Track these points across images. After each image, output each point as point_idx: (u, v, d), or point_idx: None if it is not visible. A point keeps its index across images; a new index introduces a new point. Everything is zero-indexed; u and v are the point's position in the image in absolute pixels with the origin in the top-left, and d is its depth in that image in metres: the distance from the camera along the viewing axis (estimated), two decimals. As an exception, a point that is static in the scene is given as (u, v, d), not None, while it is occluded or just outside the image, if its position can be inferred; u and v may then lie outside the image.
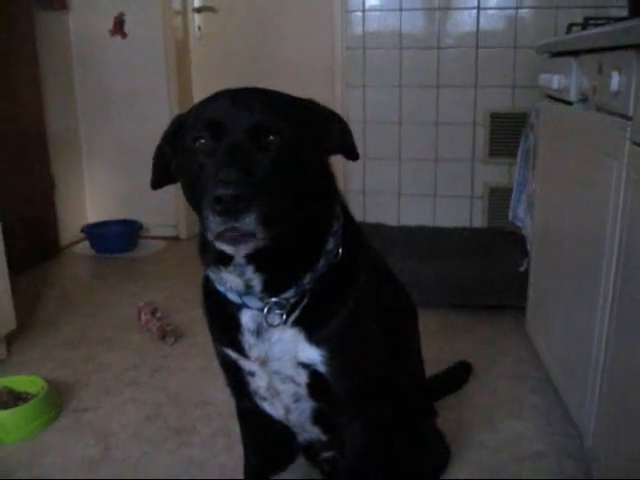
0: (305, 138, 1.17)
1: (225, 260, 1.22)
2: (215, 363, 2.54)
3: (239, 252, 1.13)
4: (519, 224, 2.98)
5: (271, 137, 1.10)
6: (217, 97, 1.18)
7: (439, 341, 2.76)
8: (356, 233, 1.38)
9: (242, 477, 1.67)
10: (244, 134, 1.09)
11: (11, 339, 2.81)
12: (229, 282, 1.25)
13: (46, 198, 4.14)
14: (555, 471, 1.93)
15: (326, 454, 1.71)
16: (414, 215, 4.04)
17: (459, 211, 4.01)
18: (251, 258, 1.20)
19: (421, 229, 3.78)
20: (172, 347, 2.81)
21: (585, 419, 1.84)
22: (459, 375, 2.39)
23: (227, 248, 1.12)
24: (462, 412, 2.25)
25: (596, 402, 1.74)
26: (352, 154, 1.29)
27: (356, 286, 1.32)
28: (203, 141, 1.12)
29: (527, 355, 2.64)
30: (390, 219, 4.03)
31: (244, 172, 1.03)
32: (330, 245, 1.26)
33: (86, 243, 4.38)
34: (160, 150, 1.28)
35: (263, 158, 1.08)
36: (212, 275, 1.28)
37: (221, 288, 1.28)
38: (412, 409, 1.70)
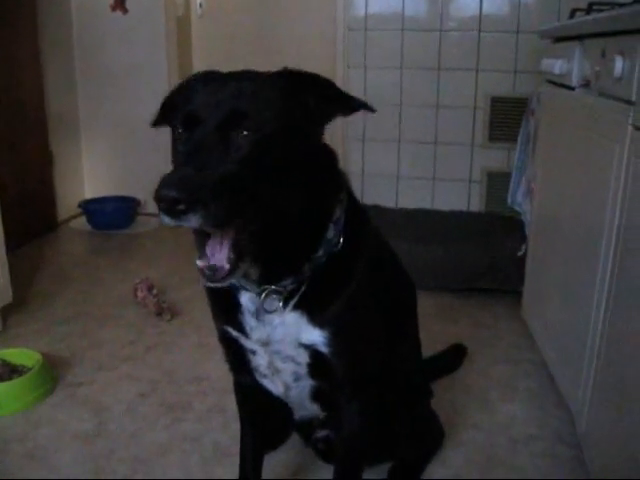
0: (286, 123, 1.13)
1: None
2: (211, 340, 2.58)
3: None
4: (518, 208, 2.98)
5: (244, 132, 1.07)
6: (202, 82, 1.17)
7: (435, 324, 2.77)
8: (361, 219, 1.37)
9: (237, 454, 1.68)
10: (213, 128, 1.07)
11: (7, 313, 2.81)
12: None
13: (44, 173, 4.13)
14: (548, 454, 1.94)
15: (321, 433, 1.71)
16: (412, 198, 4.03)
17: (457, 195, 4.00)
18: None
19: (419, 212, 3.78)
20: (168, 324, 2.81)
21: (579, 404, 1.85)
22: (454, 357, 2.41)
23: (173, 225, 1.08)
24: (456, 394, 2.26)
25: (590, 387, 1.75)
26: (346, 108, 1.21)
27: (358, 270, 1.31)
28: (180, 131, 1.13)
29: (522, 339, 2.65)
30: (388, 201, 4.02)
31: (196, 171, 1.01)
32: (330, 234, 1.25)
33: (83, 219, 4.37)
34: (171, 95, 1.28)
35: (232, 153, 1.06)
36: None
37: None
38: (409, 389, 1.71)
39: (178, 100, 1.20)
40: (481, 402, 2.22)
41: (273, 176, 1.10)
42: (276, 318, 1.29)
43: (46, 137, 4.12)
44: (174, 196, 0.98)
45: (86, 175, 4.67)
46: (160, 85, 4.27)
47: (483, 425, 2.09)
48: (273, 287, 1.24)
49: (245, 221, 1.09)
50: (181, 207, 0.98)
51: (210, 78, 1.18)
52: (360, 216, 1.37)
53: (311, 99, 1.17)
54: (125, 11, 4.28)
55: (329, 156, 1.31)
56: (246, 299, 1.30)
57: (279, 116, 1.12)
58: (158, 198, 0.99)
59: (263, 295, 1.25)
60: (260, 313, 1.29)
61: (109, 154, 4.61)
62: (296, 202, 1.17)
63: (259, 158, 1.08)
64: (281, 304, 1.26)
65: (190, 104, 1.13)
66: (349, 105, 1.20)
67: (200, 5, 4.44)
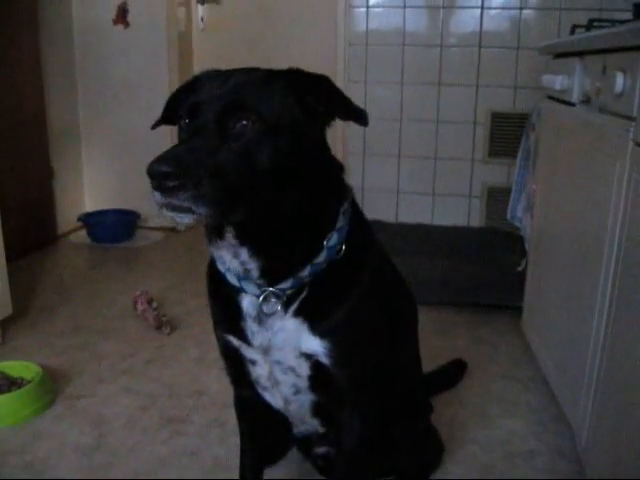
0: (285, 118, 1.15)
1: (219, 233, 1.21)
2: (210, 354, 2.59)
3: (182, 221, 1.07)
4: (517, 224, 2.99)
5: (243, 122, 1.09)
6: (207, 77, 1.21)
7: (435, 339, 2.77)
8: (364, 231, 1.37)
9: (236, 468, 1.68)
10: (213, 117, 1.09)
11: (7, 325, 2.81)
12: (227, 262, 1.25)
13: (44, 186, 4.14)
14: (548, 470, 1.94)
15: (320, 449, 1.71)
16: (412, 213, 4.05)
17: (457, 210, 4.02)
18: (243, 240, 1.20)
19: (419, 227, 3.79)
20: (167, 338, 2.81)
21: (579, 418, 1.84)
22: (454, 373, 2.40)
23: (170, 216, 1.07)
24: (456, 409, 2.26)
25: (591, 402, 1.75)
26: (349, 116, 1.21)
27: (360, 281, 1.31)
28: (184, 122, 1.16)
29: (522, 354, 2.65)
30: (388, 216, 4.03)
31: (189, 151, 1.03)
32: (333, 241, 1.25)
33: (83, 232, 4.37)
34: (174, 96, 1.31)
35: (229, 142, 1.08)
36: (214, 253, 1.28)
37: (222, 267, 1.28)
38: (409, 404, 1.71)
39: (183, 97, 1.22)
40: (481, 417, 2.22)
41: (270, 169, 1.11)
42: (277, 323, 1.28)
43: (47, 150, 4.13)
44: (165, 170, 0.99)
45: (86, 188, 4.68)
46: (161, 99, 4.18)
47: (482, 440, 2.09)
48: (272, 289, 1.24)
49: (240, 213, 1.10)
50: (172, 183, 0.99)
51: (215, 74, 1.21)
52: (363, 228, 1.37)
53: (312, 99, 1.18)
54: (127, 25, 4.30)
55: (334, 166, 1.32)
56: (247, 303, 1.30)
57: (279, 110, 1.14)
58: (149, 173, 1.00)
59: (262, 297, 1.25)
60: (262, 317, 1.29)
61: (110, 168, 4.61)
62: (295, 202, 1.18)
63: (256, 149, 1.09)
64: (279, 307, 1.26)
65: (195, 96, 1.15)
66: (349, 110, 1.21)
67: (202, 19, 4.47)
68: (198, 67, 4.49)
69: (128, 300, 3.08)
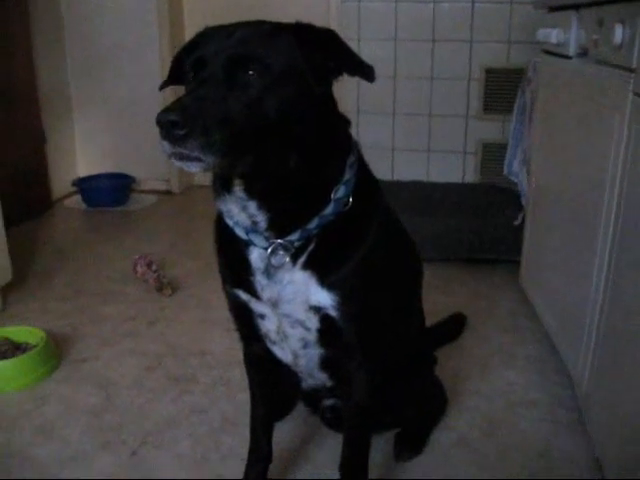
0: (292, 70, 1.15)
1: (227, 187, 1.23)
2: (212, 314, 2.62)
3: (190, 169, 1.09)
4: (514, 178, 3.01)
5: (250, 72, 1.10)
6: (212, 32, 1.21)
7: (434, 294, 2.79)
8: (371, 185, 1.38)
9: (244, 425, 1.70)
10: (219, 68, 1.10)
11: (7, 291, 2.82)
12: (235, 215, 1.26)
13: (37, 152, 4.11)
14: (548, 419, 1.98)
15: (328, 402, 1.74)
16: (408, 170, 4.05)
17: (452, 167, 4.02)
18: (251, 193, 1.21)
19: (415, 184, 3.79)
20: (169, 299, 2.83)
21: (579, 369, 1.88)
22: (454, 326, 2.44)
23: (178, 165, 1.09)
24: (457, 362, 2.29)
25: (591, 352, 1.78)
26: (356, 71, 1.20)
27: (368, 234, 1.32)
28: (191, 75, 1.16)
29: (521, 308, 2.69)
30: (384, 174, 4.02)
31: (196, 101, 1.04)
32: (340, 193, 1.26)
33: (78, 197, 4.36)
34: (179, 55, 1.30)
35: (236, 92, 1.09)
36: (221, 207, 1.29)
37: (229, 221, 1.29)
38: (414, 356, 1.74)
39: (188, 55, 1.21)
40: (482, 369, 2.26)
41: (276, 120, 1.12)
42: (286, 276, 1.30)
43: (38, 116, 4.09)
44: (173, 119, 1.00)
45: (79, 153, 4.65)
46: (152, 62, 4.26)
47: (484, 391, 2.13)
48: (280, 241, 1.26)
49: (248, 163, 1.12)
50: (180, 131, 1.00)
51: (219, 28, 1.20)
52: (370, 181, 1.38)
53: (320, 53, 1.18)
54: (115, -13, 4.24)
55: (341, 120, 1.33)
56: (255, 257, 1.31)
57: (286, 62, 1.14)
58: (158, 122, 1.01)
59: (270, 249, 1.27)
60: (271, 270, 1.30)
61: (102, 132, 4.59)
62: (302, 154, 1.19)
63: (263, 98, 1.10)
64: (288, 259, 1.27)
65: (200, 51, 1.15)
66: (356, 65, 1.20)
67: (191, -20, 4.41)
68: (189, 29, 4.45)
69: (127, 263, 3.09)
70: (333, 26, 3.95)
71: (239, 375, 2.17)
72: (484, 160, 3.96)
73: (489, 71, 3.81)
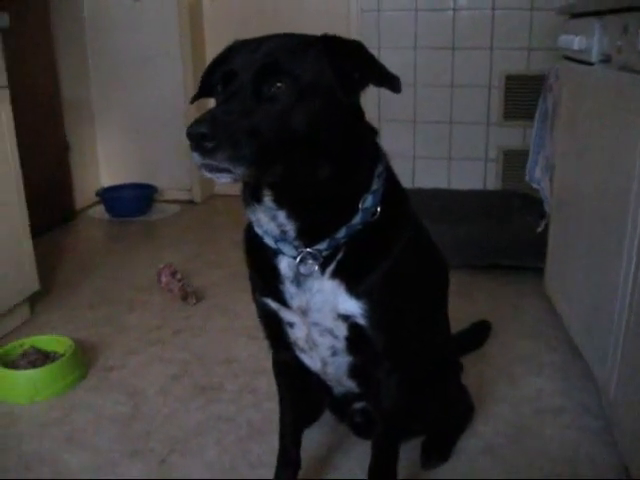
0: (320, 82, 1.16)
1: (257, 197, 1.25)
2: (237, 323, 2.63)
3: (220, 181, 1.10)
4: (535, 185, 2.99)
5: (278, 84, 1.12)
6: (240, 46, 1.22)
7: (458, 301, 2.76)
8: (399, 195, 1.40)
9: (271, 432, 1.71)
10: (248, 81, 1.12)
11: (34, 300, 2.85)
12: (265, 225, 1.28)
13: (61, 163, 4.16)
14: (575, 426, 1.97)
15: (358, 404, 1.74)
16: (428, 178, 4.05)
17: (473, 174, 4.03)
18: (280, 202, 1.23)
19: (436, 192, 3.79)
20: (193, 308, 2.85)
21: (606, 375, 1.87)
22: (479, 333, 2.44)
23: (209, 176, 1.11)
24: (483, 369, 2.29)
25: (618, 358, 1.77)
26: (383, 82, 1.22)
27: (396, 243, 1.34)
28: (220, 87, 1.18)
29: (545, 314, 2.68)
30: (405, 182, 3.98)
31: (226, 113, 1.06)
32: (368, 203, 1.27)
33: (101, 207, 4.41)
34: (209, 68, 1.33)
35: (265, 104, 1.10)
36: (251, 216, 1.31)
37: (259, 230, 1.31)
38: (441, 363, 1.74)
39: (217, 68, 1.24)
40: (507, 376, 2.25)
41: (305, 132, 1.13)
42: (315, 284, 1.31)
43: (62, 126, 4.14)
44: (203, 131, 1.02)
45: (102, 163, 4.71)
46: (173, 71, 4.31)
47: (510, 398, 2.13)
48: (309, 250, 1.27)
49: (277, 174, 1.13)
50: (209, 144, 1.02)
51: (248, 42, 1.22)
52: (398, 191, 1.40)
53: (347, 64, 1.20)
54: (137, -3, 4.29)
55: (369, 130, 1.34)
56: (285, 265, 1.32)
57: (313, 74, 1.16)
58: (188, 134, 1.03)
59: (299, 258, 1.28)
60: (300, 278, 1.31)
61: (124, 142, 4.64)
62: (330, 164, 1.20)
63: (292, 110, 1.12)
64: (317, 268, 1.29)
65: (229, 64, 1.18)
66: (382, 76, 1.22)
67: (211, -10, 4.45)
68: (209, 38, 4.49)
69: (151, 273, 3.11)
70: (353, 35, 3.97)
71: (265, 383, 2.18)
72: (505, 167, 3.96)
73: (509, 78, 3.81)
